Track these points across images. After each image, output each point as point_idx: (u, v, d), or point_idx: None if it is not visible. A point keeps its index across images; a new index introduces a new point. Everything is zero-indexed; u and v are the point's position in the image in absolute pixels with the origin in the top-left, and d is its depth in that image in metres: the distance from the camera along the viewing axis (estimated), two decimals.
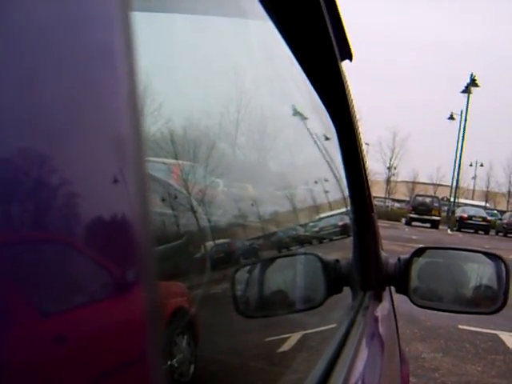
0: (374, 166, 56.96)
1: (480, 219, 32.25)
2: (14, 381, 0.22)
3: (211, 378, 0.67)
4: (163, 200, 0.56)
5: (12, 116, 0.23)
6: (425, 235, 23.29)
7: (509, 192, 64.77)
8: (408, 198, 49.43)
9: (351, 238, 1.58)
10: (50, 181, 0.24)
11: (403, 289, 1.53)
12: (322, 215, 1.48)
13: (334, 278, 1.24)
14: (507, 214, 34.72)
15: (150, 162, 0.48)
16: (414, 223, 32.66)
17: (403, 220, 35.33)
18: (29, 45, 0.24)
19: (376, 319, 1.50)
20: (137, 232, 0.29)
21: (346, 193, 1.54)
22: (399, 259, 1.56)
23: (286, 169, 1.17)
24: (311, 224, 1.35)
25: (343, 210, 1.66)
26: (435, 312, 1.76)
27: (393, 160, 60.66)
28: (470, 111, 37.36)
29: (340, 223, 1.70)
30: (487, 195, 66.70)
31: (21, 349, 0.22)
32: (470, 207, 36.88)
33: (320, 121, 1.42)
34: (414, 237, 20.87)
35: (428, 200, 33.97)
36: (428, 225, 32.41)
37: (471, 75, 38.33)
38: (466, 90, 37.92)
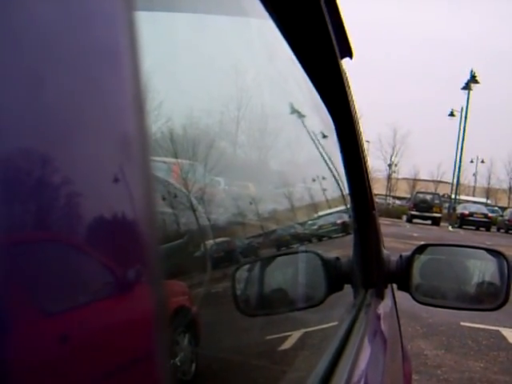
0: (375, 163, 57.06)
1: (481, 216, 32.24)
2: (21, 380, 0.22)
3: (213, 376, 0.67)
4: (164, 199, 0.56)
5: (17, 116, 0.23)
6: (426, 232, 23.30)
7: (510, 188, 64.81)
8: (409, 195, 49.44)
9: (352, 236, 1.58)
10: (55, 180, 0.24)
11: (405, 286, 1.53)
12: (323, 213, 1.48)
13: (335, 276, 1.24)
14: (508, 211, 34.70)
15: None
16: (415, 220, 32.67)
17: (404, 217, 35.33)
18: (33, 45, 0.24)
19: (378, 317, 1.49)
20: (143, 231, 0.29)
21: (347, 190, 1.54)
22: (401, 256, 1.56)
23: (287, 167, 1.17)
24: (312, 222, 1.35)
25: (344, 207, 1.66)
26: (437, 309, 1.76)
27: (393, 157, 60.75)
28: (470, 108, 37.42)
29: (341, 221, 1.70)
30: (488, 192, 66.75)
31: (28, 348, 0.22)
32: (471, 204, 36.88)
33: (321, 119, 1.42)
34: (416, 234, 20.87)
35: (429, 197, 33.96)
36: (429, 222, 32.40)
37: (471, 72, 38.35)
38: (467, 87, 37.93)
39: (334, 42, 1.17)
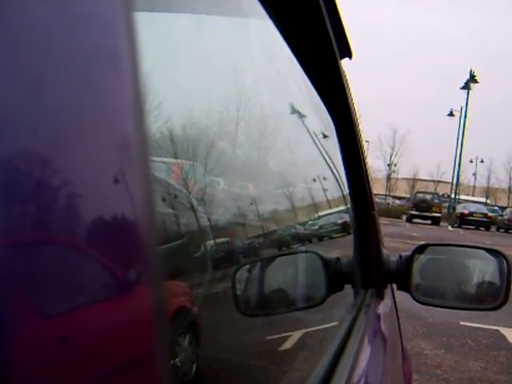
0: (375, 163, 57.04)
1: (481, 215, 32.24)
2: (22, 382, 0.22)
3: (214, 376, 0.67)
4: (163, 199, 0.56)
5: (17, 117, 0.23)
6: (426, 232, 23.30)
7: (509, 188, 64.84)
8: (408, 195, 49.47)
9: (352, 236, 1.58)
10: (56, 182, 0.24)
11: (405, 286, 1.53)
12: (323, 213, 1.48)
13: (335, 276, 1.24)
14: (508, 210, 34.71)
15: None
16: (414, 220, 32.68)
17: (404, 217, 35.33)
18: (32, 46, 0.24)
19: (378, 317, 1.50)
20: (143, 232, 0.29)
21: (347, 191, 1.54)
22: (400, 256, 1.55)
23: (286, 167, 1.17)
24: (312, 222, 1.35)
25: (344, 207, 1.66)
26: (437, 309, 1.76)
27: (393, 157, 60.76)
28: (469, 107, 37.41)
29: (341, 221, 1.70)
30: (488, 191, 66.77)
31: (29, 349, 0.22)
32: (471, 203, 36.92)
33: (320, 119, 1.42)
34: (415, 234, 20.87)
35: (429, 197, 33.96)
36: (429, 221, 32.40)
37: (470, 71, 38.34)
38: (466, 87, 37.92)
39: (334, 43, 1.17)
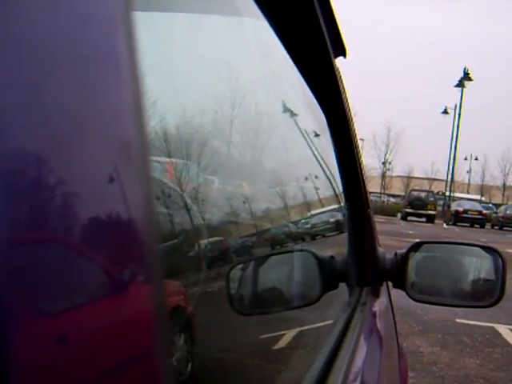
0: (369, 161, 57.19)
1: (475, 213, 32.29)
2: (22, 380, 0.22)
3: (209, 375, 0.67)
4: (158, 198, 0.56)
5: (16, 118, 0.23)
6: (421, 230, 23.35)
7: (504, 185, 65.02)
8: (403, 193, 49.54)
9: (347, 234, 1.58)
10: (55, 182, 0.25)
11: (400, 284, 1.53)
12: (318, 212, 1.48)
13: (330, 275, 1.24)
14: (502, 208, 34.77)
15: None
16: (409, 218, 32.73)
17: (399, 215, 35.39)
18: (31, 47, 0.24)
19: (374, 315, 1.50)
20: (142, 231, 0.30)
21: (342, 189, 1.54)
22: (396, 254, 1.56)
23: (281, 166, 1.17)
24: (307, 221, 1.35)
25: (339, 206, 1.66)
26: (432, 306, 1.76)
27: (387, 155, 60.89)
28: (464, 105, 37.49)
29: (336, 219, 1.70)
30: (482, 189, 66.98)
31: (29, 348, 0.22)
32: (466, 201, 36.92)
33: (315, 118, 1.42)
34: (410, 231, 20.91)
35: (423, 195, 34.02)
36: (424, 219, 32.47)
37: (464, 69, 38.43)
38: (460, 84, 38.00)
39: (328, 42, 1.17)
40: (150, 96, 0.52)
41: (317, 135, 1.41)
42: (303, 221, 1.32)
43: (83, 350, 0.25)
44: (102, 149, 0.28)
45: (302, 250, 1.20)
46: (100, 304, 0.27)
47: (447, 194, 39.45)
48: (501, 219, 32.15)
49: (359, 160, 1.55)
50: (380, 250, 1.62)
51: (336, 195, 1.59)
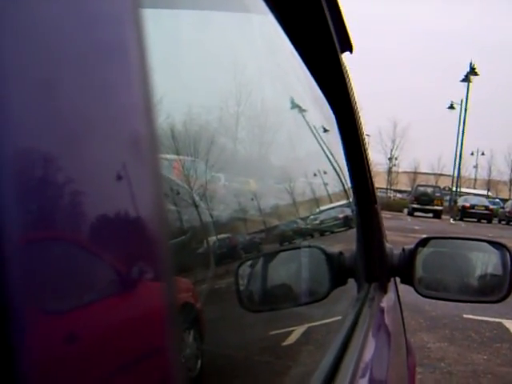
0: (375, 156, 57.02)
1: (482, 208, 32.19)
2: (38, 378, 0.22)
3: (218, 372, 0.67)
4: (166, 196, 0.56)
5: (27, 116, 0.23)
6: (427, 225, 23.30)
7: (510, 180, 64.82)
8: (410, 189, 49.43)
9: (355, 230, 1.58)
10: (66, 180, 0.25)
11: (408, 279, 1.53)
12: (326, 207, 1.47)
13: (339, 271, 1.24)
14: (509, 202, 34.65)
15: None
16: (416, 213, 32.65)
17: (405, 210, 35.31)
18: (40, 44, 0.24)
19: (382, 310, 1.49)
20: (154, 228, 0.30)
21: (349, 184, 1.54)
22: (403, 250, 1.55)
23: (288, 162, 1.17)
24: (315, 216, 1.35)
25: (346, 201, 1.66)
26: (440, 302, 1.76)
27: (394, 151, 60.76)
28: (470, 100, 37.37)
29: (343, 215, 1.69)
30: (489, 184, 66.77)
31: (44, 346, 0.22)
32: (472, 196, 36.83)
33: (322, 113, 1.42)
34: (417, 227, 20.87)
35: (430, 190, 33.92)
36: (430, 215, 32.37)
37: (470, 64, 38.30)
38: (466, 79, 37.87)
39: (334, 37, 1.17)
40: (159, 93, 0.52)
41: (325, 130, 1.40)
42: (312, 217, 1.31)
43: (96, 347, 0.25)
44: (113, 146, 0.28)
45: (310, 246, 1.20)
46: (112, 302, 0.27)
47: (454, 189, 39.35)
48: (508, 214, 32.05)
49: (366, 155, 1.55)
50: (388, 245, 1.62)
51: (344, 191, 1.58)
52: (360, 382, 0.93)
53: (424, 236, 1.61)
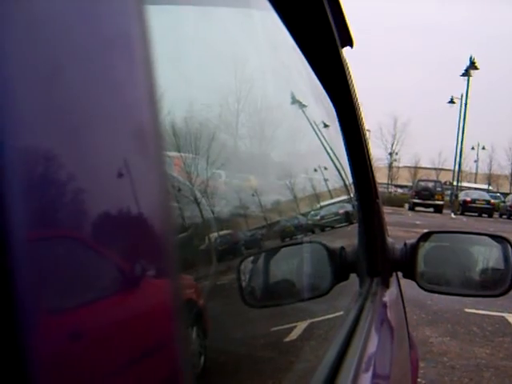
0: (376, 152, 56.97)
1: (483, 202, 32.19)
2: (47, 375, 0.22)
3: (222, 368, 0.67)
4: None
5: (30, 112, 0.23)
6: (429, 220, 23.30)
7: (511, 174, 64.74)
8: (410, 184, 49.40)
9: (356, 225, 1.58)
10: (70, 177, 0.25)
11: (410, 274, 1.53)
12: (327, 203, 1.47)
13: (341, 266, 1.24)
14: (510, 197, 34.62)
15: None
16: (417, 208, 32.66)
17: (406, 205, 35.29)
18: (45, 38, 0.24)
19: (384, 305, 1.50)
20: (159, 225, 0.30)
21: (351, 180, 1.54)
22: (405, 244, 1.55)
23: (290, 158, 1.16)
24: (316, 212, 1.35)
25: (348, 197, 1.65)
26: (442, 296, 1.76)
27: (394, 146, 60.72)
28: (470, 94, 37.32)
29: (345, 210, 1.69)
30: (490, 178, 66.76)
31: (52, 344, 0.23)
32: (473, 191, 36.84)
33: (323, 109, 1.42)
34: (418, 222, 20.87)
35: (431, 185, 33.89)
36: (431, 209, 32.36)
37: (470, 58, 38.24)
38: (466, 73, 37.82)
39: (335, 32, 1.17)
40: (160, 89, 0.52)
41: (326, 126, 1.40)
42: (313, 212, 1.31)
43: (103, 344, 0.25)
44: (118, 142, 0.28)
45: (312, 242, 1.20)
46: (119, 299, 0.27)
47: (455, 183, 39.33)
48: (509, 208, 32.04)
49: (368, 150, 1.55)
50: (389, 240, 1.62)
51: (345, 186, 1.58)
52: (363, 376, 0.93)
53: (425, 231, 1.61)
